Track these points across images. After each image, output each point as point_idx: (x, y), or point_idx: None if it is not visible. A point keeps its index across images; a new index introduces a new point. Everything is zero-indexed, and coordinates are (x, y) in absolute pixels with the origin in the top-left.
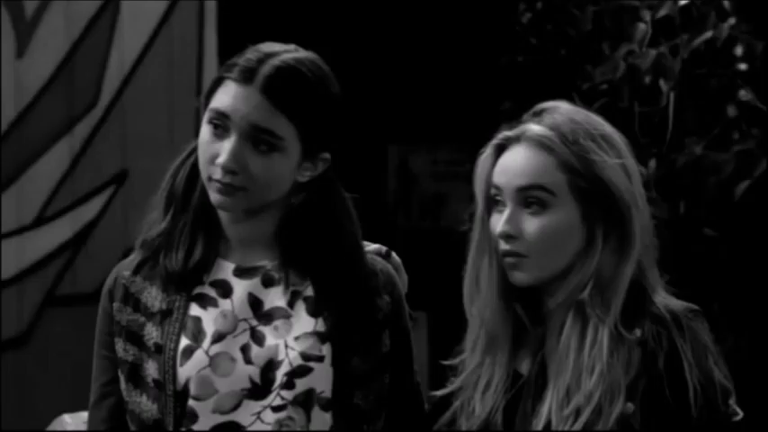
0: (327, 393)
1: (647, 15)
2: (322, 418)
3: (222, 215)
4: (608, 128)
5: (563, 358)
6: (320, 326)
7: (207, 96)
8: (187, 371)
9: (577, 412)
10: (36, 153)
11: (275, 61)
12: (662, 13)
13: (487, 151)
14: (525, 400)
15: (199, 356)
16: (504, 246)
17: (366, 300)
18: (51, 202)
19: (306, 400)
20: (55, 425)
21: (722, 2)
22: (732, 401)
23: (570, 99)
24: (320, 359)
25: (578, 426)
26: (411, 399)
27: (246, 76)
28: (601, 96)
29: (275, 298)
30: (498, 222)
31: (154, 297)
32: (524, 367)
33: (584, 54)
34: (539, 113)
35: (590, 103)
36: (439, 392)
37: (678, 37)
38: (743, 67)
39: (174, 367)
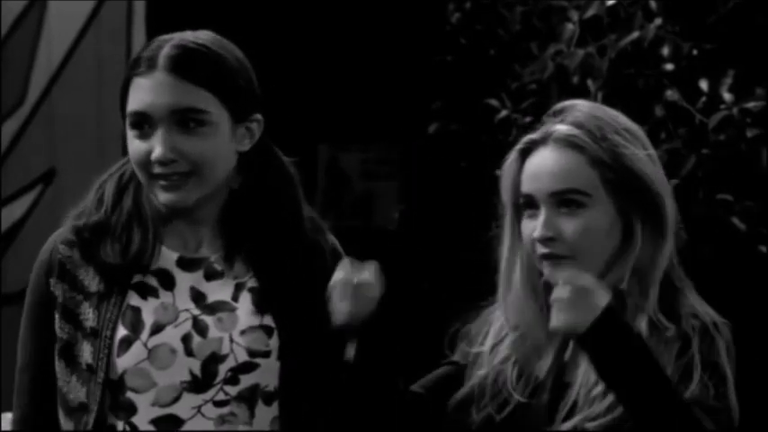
0: (271, 387)
1: (574, 15)
2: (265, 412)
3: (165, 211)
4: (628, 121)
5: None
6: (267, 320)
7: (122, 104)
8: (125, 362)
9: (605, 392)
10: None
11: (173, 42)
12: (589, 13)
13: (512, 157)
14: (539, 397)
15: (137, 349)
16: (542, 249)
17: (312, 292)
18: None
19: (250, 396)
20: None
21: (649, 2)
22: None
23: (499, 98)
24: (266, 354)
25: (602, 407)
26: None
27: (150, 64)
28: (530, 96)
29: (218, 291)
30: (533, 227)
31: (91, 278)
32: (541, 371)
33: (512, 54)
34: (558, 113)
35: (519, 102)
36: (471, 382)
37: (606, 37)
38: (669, 67)
39: (109, 356)
